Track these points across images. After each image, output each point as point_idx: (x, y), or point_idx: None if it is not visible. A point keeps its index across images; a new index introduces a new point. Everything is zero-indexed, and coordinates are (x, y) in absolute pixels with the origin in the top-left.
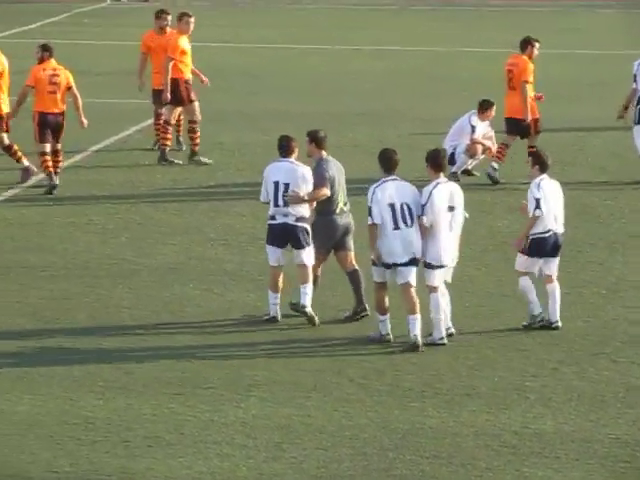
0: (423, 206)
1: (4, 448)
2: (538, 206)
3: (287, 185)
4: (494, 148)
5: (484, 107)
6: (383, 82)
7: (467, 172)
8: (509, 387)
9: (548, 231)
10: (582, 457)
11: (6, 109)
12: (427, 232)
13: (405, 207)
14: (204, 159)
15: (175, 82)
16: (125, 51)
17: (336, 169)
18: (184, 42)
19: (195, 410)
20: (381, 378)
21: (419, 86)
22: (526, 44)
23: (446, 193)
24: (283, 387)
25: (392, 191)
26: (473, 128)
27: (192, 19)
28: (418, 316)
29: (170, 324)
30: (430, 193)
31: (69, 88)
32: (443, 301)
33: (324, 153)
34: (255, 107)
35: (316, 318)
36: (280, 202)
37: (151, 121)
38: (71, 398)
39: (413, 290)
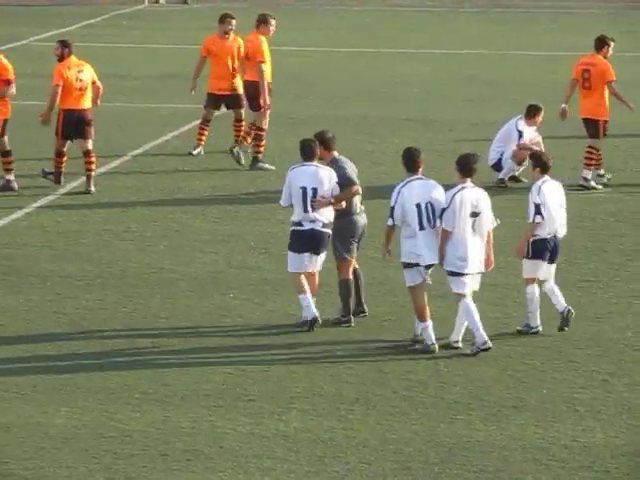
0: (444, 210)
1: (40, 462)
2: (538, 212)
3: (315, 190)
4: None
5: (532, 112)
6: (430, 86)
7: (514, 179)
8: (558, 399)
9: (549, 234)
10: (633, 472)
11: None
12: (447, 237)
13: (430, 207)
14: (266, 165)
15: (254, 86)
16: (164, 54)
17: (351, 168)
18: (266, 45)
19: (235, 423)
20: (426, 390)
21: (467, 90)
22: (602, 43)
23: (471, 198)
24: (325, 399)
25: (419, 190)
26: (520, 133)
27: (274, 21)
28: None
29: (209, 335)
30: (453, 197)
31: (94, 82)
32: (473, 306)
33: (335, 153)
34: (299, 111)
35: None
36: (309, 208)
37: (189, 126)
38: (108, 411)
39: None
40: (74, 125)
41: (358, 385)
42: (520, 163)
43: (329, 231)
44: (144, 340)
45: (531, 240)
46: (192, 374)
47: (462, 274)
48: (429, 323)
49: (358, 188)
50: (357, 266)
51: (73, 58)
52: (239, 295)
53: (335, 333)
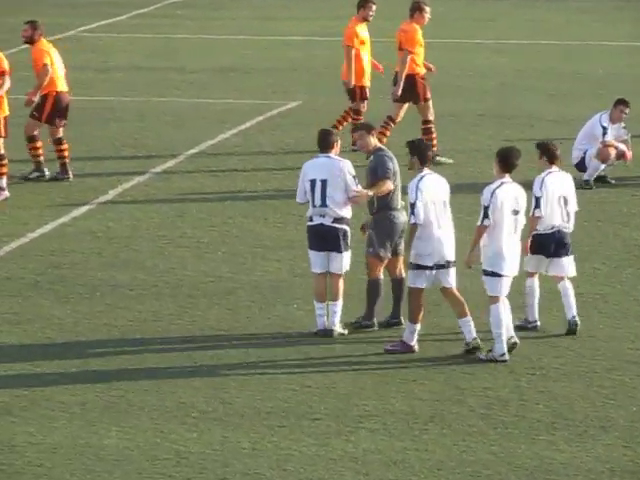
0: (486, 208)
1: None
2: (538, 205)
3: (324, 182)
4: (629, 153)
5: (618, 107)
6: (507, 79)
7: (601, 179)
8: None
9: (552, 228)
10: None
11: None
12: (487, 236)
13: (441, 205)
14: (444, 159)
15: (411, 78)
16: (222, 46)
17: (396, 162)
18: (420, 34)
19: (300, 444)
20: (505, 408)
21: (547, 84)
22: None
23: (511, 195)
24: (396, 418)
25: (434, 186)
26: (604, 130)
27: (428, 9)
28: (469, 318)
29: (271, 348)
30: (493, 193)
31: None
32: (506, 314)
33: (378, 143)
34: (369, 108)
35: (346, 332)
36: (317, 202)
37: (249, 124)
38: (162, 430)
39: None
40: (64, 109)
41: (432, 402)
42: (605, 161)
43: (342, 227)
44: (201, 354)
45: (532, 234)
46: (253, 391)
47: (500, 275)
48: (418, 326)
49: (389, 184)
50: (402, 271)
51: (44, 41)
52: (303, 306)
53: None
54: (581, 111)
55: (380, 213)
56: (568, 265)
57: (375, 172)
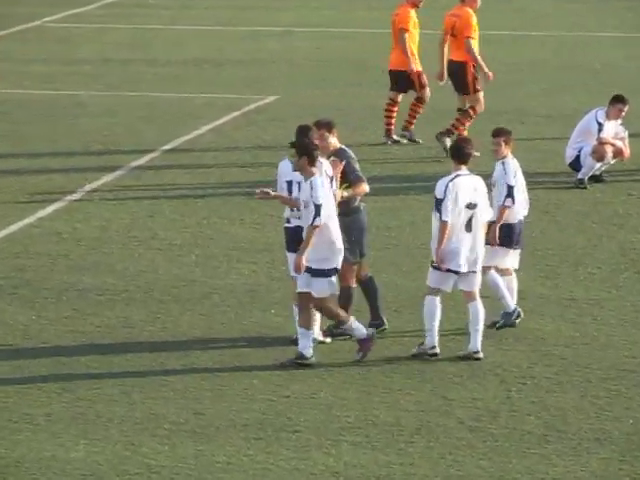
0: (441, 201)
1: None
2: (510, 194)
3: (300, 183)
4: (627, 151)
5: (615, 102)
6: (498, 73)
7: (596, 178)
8: None
9: (517, 219)
10: None
11: None
12: (446, 230)
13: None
14: (405, 140)
15: (463, 66)
16: (198, 37)
17: (356, 159)
18: (475, 19)
19: (277, 457)
20: (495, 420)
21: (538, 77)
22: None
23: (467, 187)
24: (380, 430)
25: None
26: (600, 126)
27: None
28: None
29: (248, 356)
30: (447, 186)
31: None
32: (439, 310)
33: (338, 143)
34: (352, 102)
35: (328, 340)
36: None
37: (226, 119)
38: (132, 443)
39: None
40: None
41: (418, 414)
42: (601, 160)
43: None
44: (174, 363)
45: (498, 225)
46: (228, 401)
47: (451, 271)
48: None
49: (365, 186)
50: (369, 272)
51: None
52: (281, 311)
53: (391, 354)
54: (574, 106)
55: (350, 217)
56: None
57: (346, 175)
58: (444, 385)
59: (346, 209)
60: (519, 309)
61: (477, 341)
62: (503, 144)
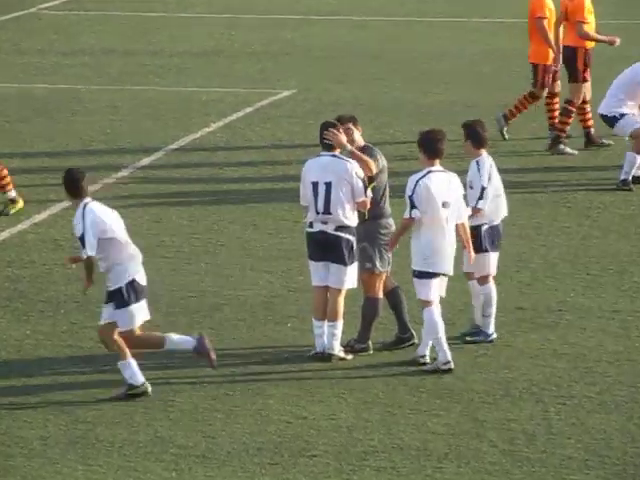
0: (410, 197)
1: None
2: (482, 197)
3: (329, 184)
4: None
5: None
6: (503, 63)
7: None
8: None
9: (492, 221)
10: None
11: None
12: (415, 231)
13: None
14: (568, 149)
15: (573, 52)
16: (206, 26)
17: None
18: (589, 3)
19: None
20: (532, 443)
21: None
22: None
23: (440, 185)
24: (406, 455)
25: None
26: None
27: None
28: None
29: (262, 374)
30: (417, 183)
31: None
32: (440, 317)
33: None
34: (374, 96)
35: (349, 357)
36: (320, 207)
37: (237, 115)
38: (136, 469)
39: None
40: None
41: (447, 437)
42: None
43: (347, 236)
44: (182, 381)
45: (484, 229)
46: (241, 423)
47: (430, 274)
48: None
49: (373, 164)
50: (395, 283)
51: None
52: (299, 325)
53: (417, 372)
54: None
55: (371, 221)
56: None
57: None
58: (475, 405)
59: (378, 212)
60: (495, 335)
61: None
62: (464, 140)
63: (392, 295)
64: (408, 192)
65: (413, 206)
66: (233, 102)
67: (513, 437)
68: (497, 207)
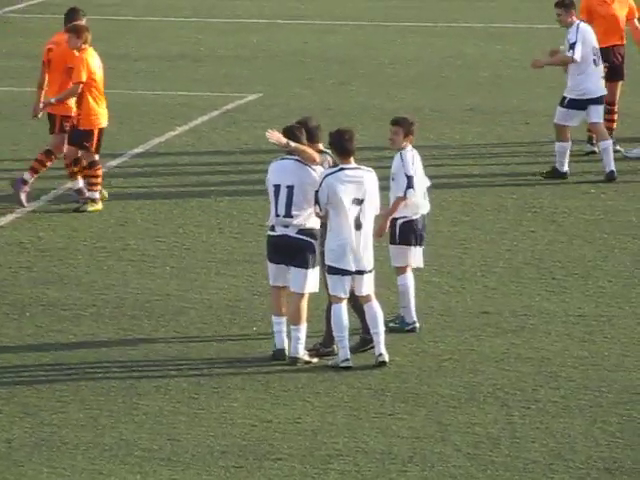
0: (315, 193)
1: None
2: (411, 185)
3: (291, 188)
4: None
5: None
6: (501, 70)
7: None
8: None
9: (416, 213)
10: None
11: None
12: (328, 228)
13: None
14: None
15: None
16: (172, 30)
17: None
18: None
19: None
20: (496, 447)
21: (546, 75)
22: None
23: (351, 181)
24: (370, 458)
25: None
26: None
27: None
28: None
29: (227, 377)
30: (324, 179)
31: None
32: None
33: (321, 147)
34: (341, 101)
35: (314, 361)
36: (281, 210)
37: (202, 119)
38: (101, 472)
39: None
40: None
41: (412, 440)
42: None
43: (309, 239)
44: (146, 384)
45: (400, 222)
46: (205, 426)
47: (339, 270)
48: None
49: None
50: None
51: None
52: (265, 329)
53: (382, 376)
54: None
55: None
56: (421, 256)
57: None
58: (440, 409)
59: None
60: (417, 325)
61: (380, 344)
62: (402, 134)
63: (355, 296)
64: (315, 187)
65: (316, 201)
66: (199, 106)
67: (478, 441)
68: (417, 202)
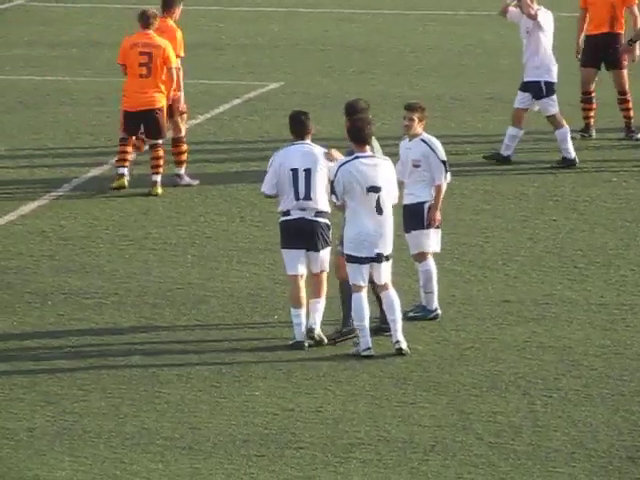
0: (331, 183)
1: None
2: (447, 169)
3: (308, 171)
4: None
5: None
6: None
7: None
8: None
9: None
10: None
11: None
12: (345, 217)
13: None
14: None
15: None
16: (193, 19)
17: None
18: None
19: (281, 476)
20: (518, 436)
21: (569, 61)
22: None
23: (366, 170)
24: (392, 447)
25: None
26: None
27: None
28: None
29: (249, 365)
30: (339, 168)
31: None
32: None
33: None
34: (361, 89)
35: (325, 341)
36: (301, 194)
37: (221, 109)
38: (122, 461)
39: None
40: None
41: (434, 429)
42: None
43: (325, 220)
44: (168, 373)
45: (427, 206)
46: (227, 415)
47: (358, 258)
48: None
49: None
50: None
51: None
52: (286, 317)
53: (404, 364)
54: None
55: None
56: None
57: None
58: (462, 398)
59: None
60: (439, 311)
61: (397, 331)
62: (417, 120)
63: (344, 286)
64: (331, 177)
65: (333, 191)
66: (220, 94)
67: (499, 430)
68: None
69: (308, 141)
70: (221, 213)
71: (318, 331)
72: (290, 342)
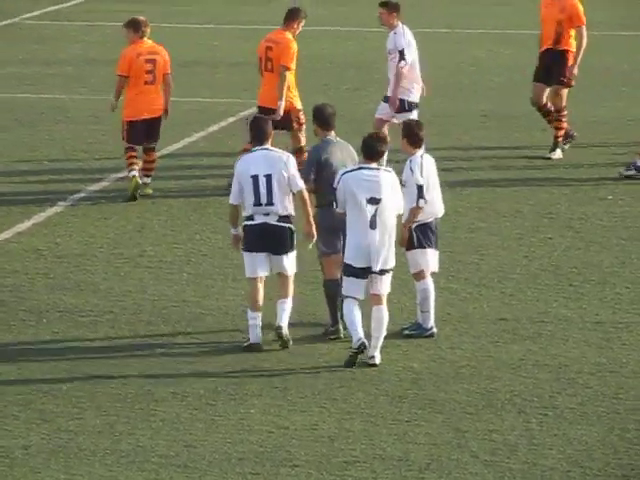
0: (334, 190)
1: None
2: (421, 195)
3: (269, 177)
4: None
5: None
6: (516, 75)
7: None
8: None
9: (429, 217)
10: None
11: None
12: (347, 226)
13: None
14: None
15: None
16: (189, 36)
17: (339, 151)
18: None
19: None
20: (513, 454)
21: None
22: None
23: (369, 181)
24: (388, 464)
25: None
26: None
27: None
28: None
29: (244, 384)
30: (342, 177)
31: None
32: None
33: (332, 135)
34: (356, 107)
35: (290, 342)
36: (262, 199)
37: (218, 126)
38: (118, 478)
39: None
40: None
41: (429, 447)
42: None
43: (289, 225)
44: (163, 390)
45: (413, 227)
46: (223, 433)
47: (359, 271)
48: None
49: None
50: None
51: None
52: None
53: (399, 382)
54: (602, 112)
55: (318, 209)
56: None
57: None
58: (457, 416)
59: (322, 200)
60: (435, 330)
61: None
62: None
63: (328, 284)
64: (334, 185)
65: (335, 200)
66: (215, 112)
67: (495, 448)
68: (431, 205)
69: (268, 145)
70: (217, 231)
71: (286, 331)
72: (244, 344)
